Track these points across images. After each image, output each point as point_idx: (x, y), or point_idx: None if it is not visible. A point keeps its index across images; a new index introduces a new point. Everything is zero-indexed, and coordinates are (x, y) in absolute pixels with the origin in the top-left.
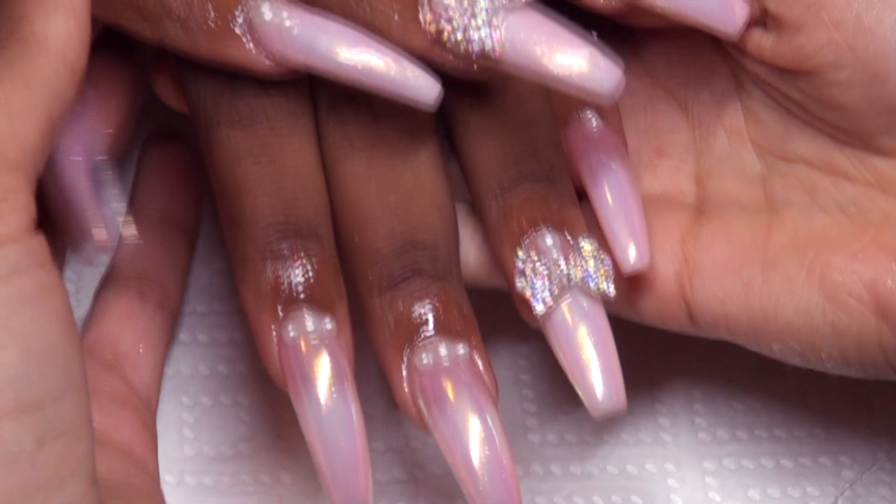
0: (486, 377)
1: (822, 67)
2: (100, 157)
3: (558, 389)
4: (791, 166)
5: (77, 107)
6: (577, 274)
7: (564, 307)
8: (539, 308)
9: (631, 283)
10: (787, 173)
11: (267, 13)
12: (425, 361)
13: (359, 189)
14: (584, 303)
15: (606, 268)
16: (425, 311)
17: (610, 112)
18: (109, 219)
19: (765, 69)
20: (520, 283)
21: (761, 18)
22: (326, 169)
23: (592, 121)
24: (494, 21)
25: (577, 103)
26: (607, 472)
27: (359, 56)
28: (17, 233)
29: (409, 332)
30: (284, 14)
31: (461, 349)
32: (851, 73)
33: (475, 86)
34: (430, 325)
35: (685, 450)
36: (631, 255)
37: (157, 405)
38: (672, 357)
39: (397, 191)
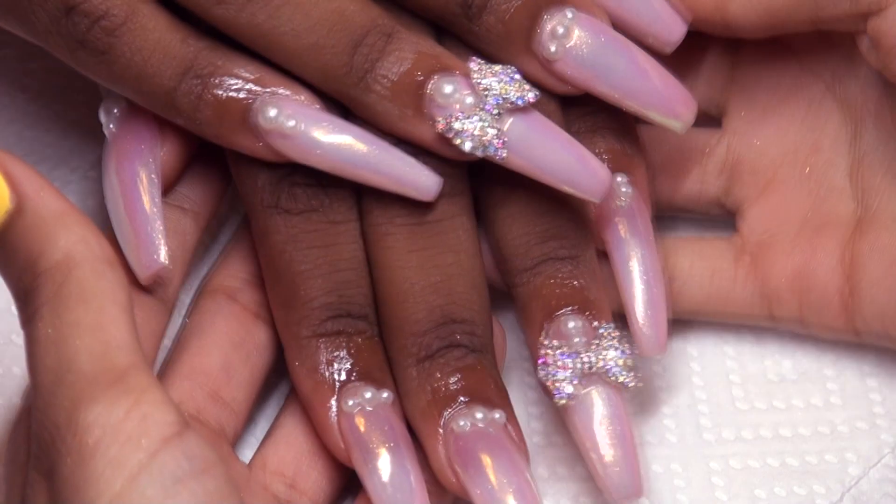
0: (520, 443)
1: None
2: (154, 180)
3: None
4: None
5: (137, 130)
6: (598, 364)
7: (585, 398)
8: (561, 400)
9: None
10: None
11: (271, 114)
12: (463, 425)
13: (400, 265)
14: (605, 394)
15: (626, 358)
16: (462, 381)
17: (639, 177)
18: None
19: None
20: (542, 372)
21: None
22: (368, 245)
23: (622, 189)
24: (500, 125)
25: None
26: None
27: (358, 156)
28: (168, 434)
29: (447, 400)
30: (289, 117)
31: (497, 415)
32: None
33: (501, 168)
34: (467, 394)
35: (691, 450)
36: (647, 343)
37: None
38: (675, 358)
39: (438, 268)
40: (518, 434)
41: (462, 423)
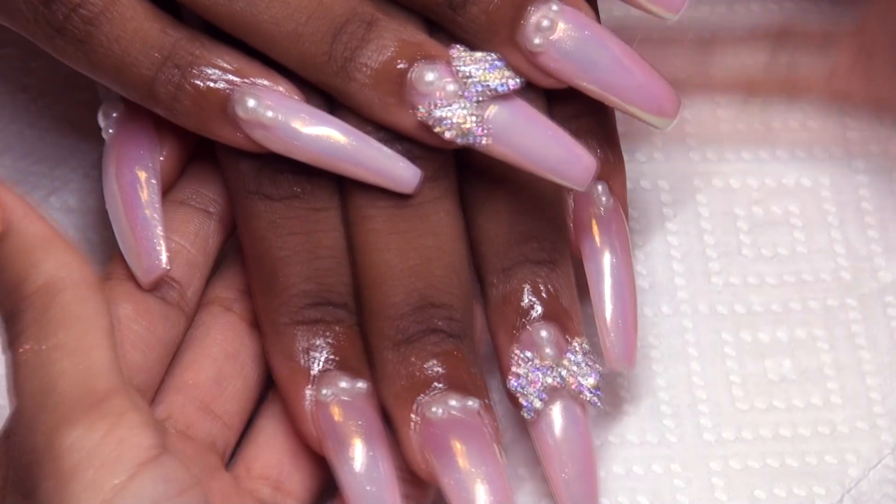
0: (494, 432)
1: None
2: (154, 184)
3: None
4: None
5: (135, 133)
6: (568, 381)
7: (550, 415)
8: (527, 416)
9: None
10: None
11: (250, 104)
12: (436, 412)
13: (380, 248)
14: (570, 412)
15: (595, 379)
16: (439, 367)
17: (618, 186)
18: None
19: None
20: (513, 383)
21: None
22: (349, 229)
23: (602, 198)
24: (482, 112)
25: None
26: (613, 473)
27: (338, 148)
28: (145, 458)
29: (422, 386)
30: (268, 108)
31: (471, 402)
32: None
33: (485, 165)
34: (443, 380)
35: (691, 450)
36: (615, 356)
37: None
38: (675, 358)
39: (418, 251)
40: (493, 423)
41: (435, 409)
